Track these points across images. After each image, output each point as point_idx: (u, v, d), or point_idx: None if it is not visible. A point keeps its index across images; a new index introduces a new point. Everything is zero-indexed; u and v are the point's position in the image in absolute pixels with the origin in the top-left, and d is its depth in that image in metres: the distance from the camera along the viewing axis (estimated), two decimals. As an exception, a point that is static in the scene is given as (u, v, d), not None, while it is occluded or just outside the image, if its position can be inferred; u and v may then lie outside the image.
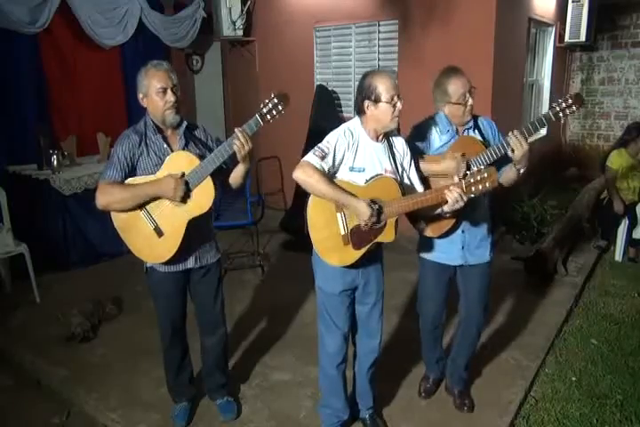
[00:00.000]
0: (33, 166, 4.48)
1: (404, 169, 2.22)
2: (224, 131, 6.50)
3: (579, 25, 6.15)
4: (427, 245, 2.47)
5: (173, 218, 2.20)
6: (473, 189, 2.02)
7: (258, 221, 4.48)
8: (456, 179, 2.14)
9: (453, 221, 2.32)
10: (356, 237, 2.12)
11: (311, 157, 2.06)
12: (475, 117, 2.38)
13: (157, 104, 2.18)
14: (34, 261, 3.84)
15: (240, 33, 5.87)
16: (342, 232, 2.12)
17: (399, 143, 2.22)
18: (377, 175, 2.11)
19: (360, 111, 2.13)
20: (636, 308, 3.79)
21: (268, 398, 2.77)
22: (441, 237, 2.38)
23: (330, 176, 2.09)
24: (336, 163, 2.09)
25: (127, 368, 3.04)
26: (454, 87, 2.26)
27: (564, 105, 2.15)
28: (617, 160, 4.61)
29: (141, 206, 2.20)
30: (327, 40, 5.63)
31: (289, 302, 3.83)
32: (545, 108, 6.49)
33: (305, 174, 2.03)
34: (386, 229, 2.11)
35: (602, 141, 7.25)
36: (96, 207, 2.19)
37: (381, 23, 5.14)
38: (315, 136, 5.00)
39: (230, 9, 5.66)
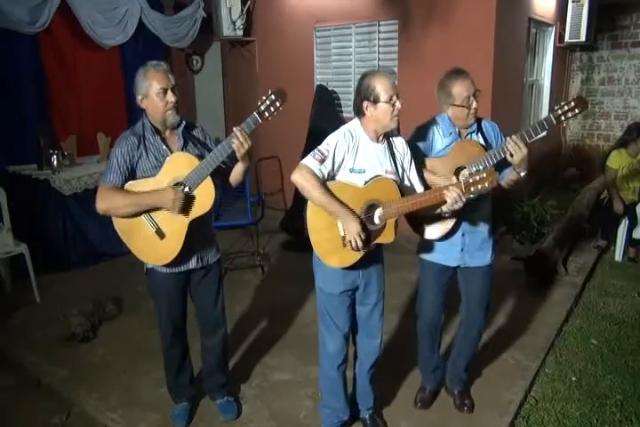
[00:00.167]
0: (33, 166, 4.48)
1: (404, 169, 2.22)
2: (224, 131, 6.50)
3: (579, 25, 6.15)
4: (426, 246, 2.46)
5: (175, 220, 2.19)
6: (472, 189, 2.02)
7: (258, 221, 4.49)
8: (454, 179, 2.14)
9: (453, 222, 2.31)
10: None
11: (310, 161, 2.06)
12: (478, 120, 2.36)
13: (158, 105, 2.17)
14: (34, 261, 3.84)
15: (240, 33, 5.88)
16: (342, 233, 2.11)
17: (399, 143, 2.22)
18: (376, 176, 2.11)
19: (359, 112, 2.13)
20: (636, 308, 3.79)
21: (268, 398, 2.77)
22: (441, 239, 2.37)
23: (329, 179, 2.09)
24: (335, 166, 2.09)
25: (127, 368, 3.04)
26: (459, 90, 2.24)
27: (565, 108, 2.08)
28: (617, 160, 4.61)
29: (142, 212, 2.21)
30: (327, 40, 5.64)
31: (289, 302, 3.83)
32: (545, 109, 6.50)
33: (302, 178, 2.03)
34: (386, 230, 2.11)
35: (602, 141, 7.26)
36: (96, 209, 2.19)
37: (381, 23, 5.14)
38: (315, 136, 5.01)
39: (230, 9, 5.66)
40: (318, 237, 2.14)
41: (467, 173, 2.22)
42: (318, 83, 5.75)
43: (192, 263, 2.35)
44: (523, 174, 2.22)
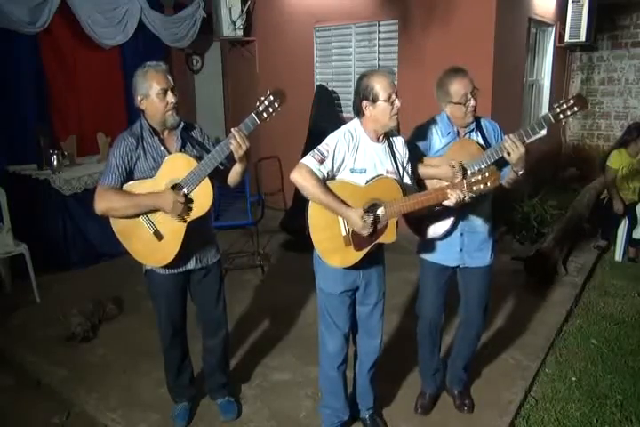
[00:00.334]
0: (33, 166, 4.48)
1: (404, 169, 2.22)
2: (224, 131, 6.50)
3: (579, 25, 6.15)
4: (426, 246, 2.46)
5: (173, 221, 2.19)
6: (474, 188, 2.02)
7: (258, 221, 4.49)
8: (459, 176, 2.13)
9: (450, 222, 2.31)
10: (358, 238, 2.11)
11: (310, 161, 2.06)
12: (477, 119, 2.35)
13: (158, 106, 2.17)
14: (34, 261, 3.84)
15: (240, 33, 5.88)
16: (343, 233, 2.11)
17: (399, 143, 2.22)
18: (377, 176, 2.11)
19: (359, 112, 2.13)
20: (636, 308, 3.79)
21: (269, 398, 2.77)
22: (440, 238, 2.37)
23: (329, 179, 2.09)
24: (335, 166, 2.09)
25: (127, 368, 3.04)
26: (456, 87, 2.24)
27: (564, 106, 2.06)
28: (617, 160, 4.61)
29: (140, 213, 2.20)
30: (327, 40, 5.64)
31: (289, 302, 3.83)
32: (545, 109, 6.49)
33: (301, 177, 2.03)
34: (387, 229, 2.11)
35: (602, 141, 7.25)
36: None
37: (381, 23, 5.14)
38: (315, 136, 5.00)
39: (230, 9, 5.67)
40: (319, 236, 2.14)
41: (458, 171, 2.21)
42: (318, 83, 5.75)
43: (191, 264, 2.34)
44: (520, 173, 2.21)
